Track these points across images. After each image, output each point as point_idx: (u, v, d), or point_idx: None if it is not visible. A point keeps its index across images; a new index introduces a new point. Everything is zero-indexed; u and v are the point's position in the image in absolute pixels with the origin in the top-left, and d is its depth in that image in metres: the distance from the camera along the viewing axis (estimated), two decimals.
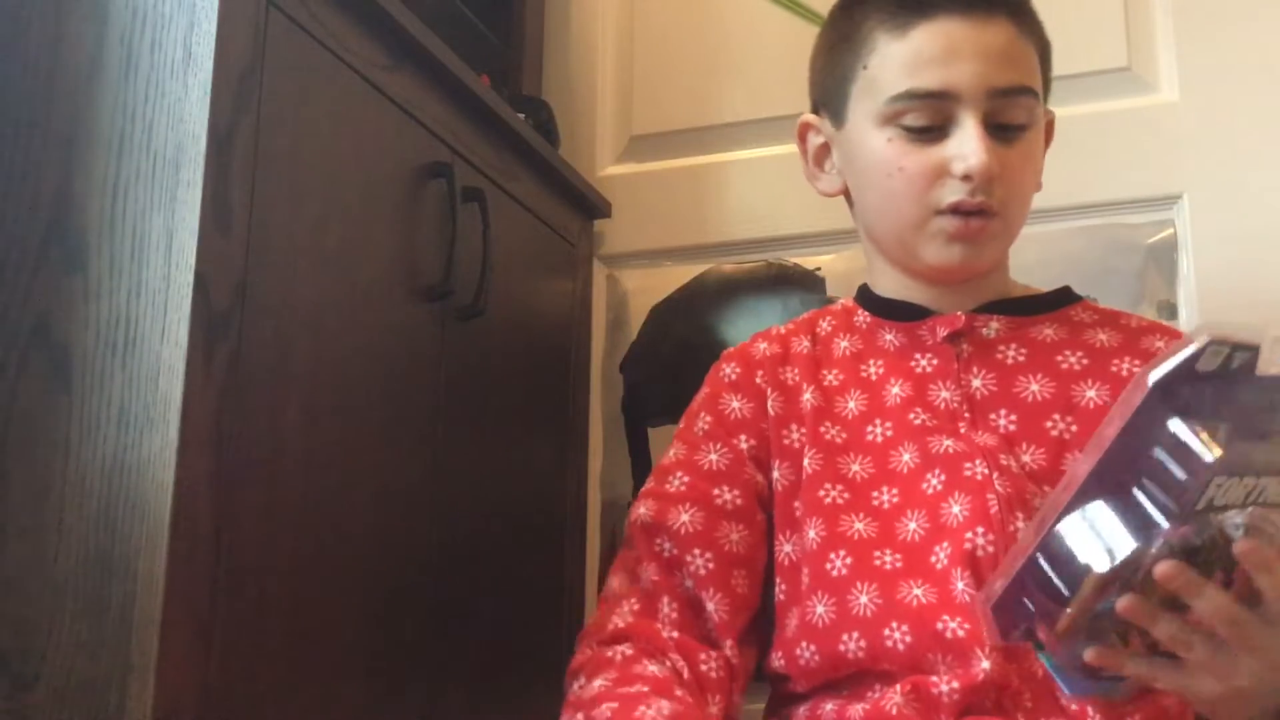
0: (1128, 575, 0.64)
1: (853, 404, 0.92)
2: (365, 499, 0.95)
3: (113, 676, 0.71)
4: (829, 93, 0.94)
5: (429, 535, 1.04)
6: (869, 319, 0.96)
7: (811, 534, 0.88)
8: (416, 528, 1.02)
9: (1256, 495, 0.62)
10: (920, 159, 0.86)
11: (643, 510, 0.91)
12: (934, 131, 0.86)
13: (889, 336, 0.94)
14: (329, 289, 0.92)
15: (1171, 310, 1.27)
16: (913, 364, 0.92)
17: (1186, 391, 0.62)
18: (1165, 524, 0.62)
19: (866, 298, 0.98)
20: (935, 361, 0.91)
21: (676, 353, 1.45)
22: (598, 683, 0.81)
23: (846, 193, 0.97)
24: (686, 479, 0.92)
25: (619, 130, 1.57)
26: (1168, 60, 1.33)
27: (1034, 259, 1.23)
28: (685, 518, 0.89)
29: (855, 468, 0.90)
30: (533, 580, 1.26)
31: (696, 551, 0.88)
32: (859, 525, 0.86)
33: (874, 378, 0.93)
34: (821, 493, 0.89)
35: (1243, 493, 0.62)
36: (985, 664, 0.78)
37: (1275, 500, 0.63)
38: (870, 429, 0.90)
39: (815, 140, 0.97)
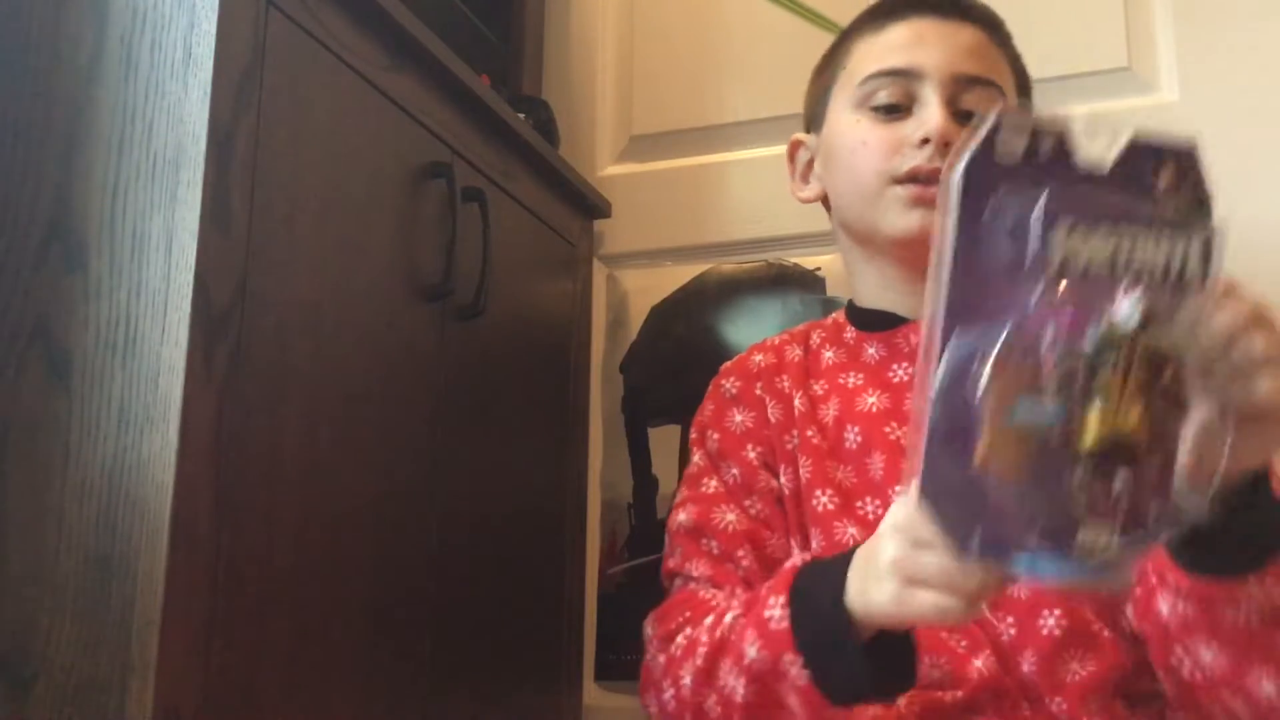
0: (1058, 379, 0.53)
1: (831, 411, 0.94)
2: (365, 499, 0.95)
3: (113, 676, 0.71)
4: (815, 107, 1.02)
5: (429, 535, 1.03)
6: (855, 334, 0.99)
7: (815, 544, 0.90)
8: (416, 528, 1.02)
9: (1127, 254, 0.53)
10: (883, 133, 0.93)
11: (683, 517, 0.94)
12: (900, 111, 0.93)
13: (871, 350, 0.96)
14: (329, 289, 0.92)
15: None
16: (890, 375, 0.94)
17: (1003, 188, 0.54)
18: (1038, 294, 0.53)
19: (852, 311, 1.01)
20: (911, 370, 0.93)
21: (676, 353, 1.45)
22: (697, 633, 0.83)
23: (825, 200, 1.02)
24: (718, 486, 0.95)
25: (619, 130, 1.57)
26: (1168, 60, 1.32)
27: None
28: (731, 517, 0.92)
29: (839, 475, 0.91)
30: (533, 580, 1.26)
31: (744, 550, 0.90)
32: (852, 530, 0.88)
33: (851, 385, 0.95)
34: (814, 501, 0.91)
35: (1109, 250, 0.53)
36: (979, 662, 0.79)
37: (1148, 258, 0.54)
38: (845, 434, 0.92)
39: (803, 157, 1.04)
